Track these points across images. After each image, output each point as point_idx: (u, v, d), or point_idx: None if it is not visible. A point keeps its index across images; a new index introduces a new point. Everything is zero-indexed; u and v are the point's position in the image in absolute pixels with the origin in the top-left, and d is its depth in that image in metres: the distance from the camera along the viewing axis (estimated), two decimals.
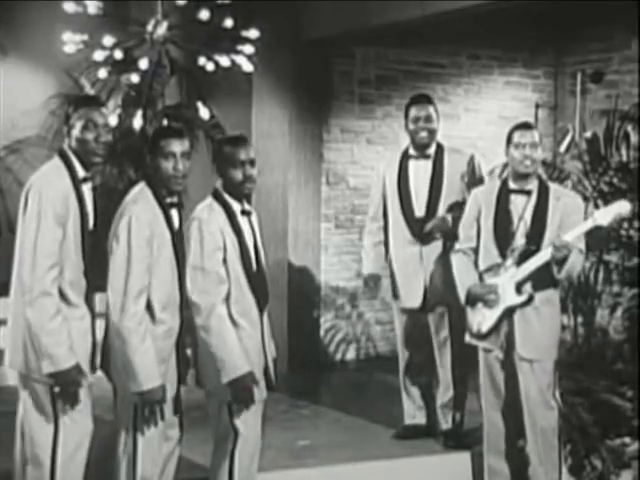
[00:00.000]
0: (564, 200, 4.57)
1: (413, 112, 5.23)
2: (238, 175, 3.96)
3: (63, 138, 3.91)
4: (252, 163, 4.00)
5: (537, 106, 8.26)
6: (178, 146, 3.87)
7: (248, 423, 3.94)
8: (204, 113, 7.26)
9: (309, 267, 7.47)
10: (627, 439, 5.11)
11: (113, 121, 6.75)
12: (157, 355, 3.78)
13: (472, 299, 4.60)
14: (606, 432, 5.08)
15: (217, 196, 4.00)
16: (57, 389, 3.75)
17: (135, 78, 7.10)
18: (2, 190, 7.51)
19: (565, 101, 8.31)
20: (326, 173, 7.59)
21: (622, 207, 4.45)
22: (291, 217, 7.35)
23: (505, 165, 6.44)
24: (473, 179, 5.23)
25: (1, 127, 7.47)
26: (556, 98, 8.46)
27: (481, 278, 4.61)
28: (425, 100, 5.31)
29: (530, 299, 4.48)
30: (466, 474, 5.12)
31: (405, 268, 5.30)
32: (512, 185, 4.60)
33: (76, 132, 3.84)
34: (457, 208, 5.11)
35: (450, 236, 5.05)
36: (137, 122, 7.11)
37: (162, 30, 7.08)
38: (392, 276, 5.39)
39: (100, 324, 3.95)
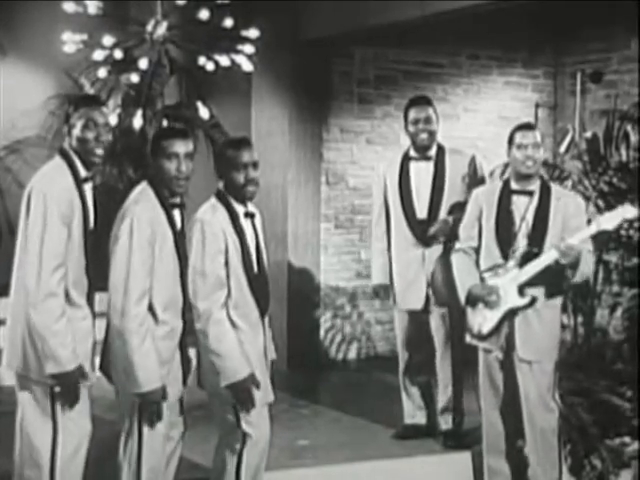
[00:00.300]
0: (565, 201, 4.56)
1: (412, 114, 5.23)
2: (240, 178, 3.93)
3: (63, 138, 3.91)
4: (255, 166, 3.96)
5: (537, 106, 8.26)
6: (181, 147, 3.85)
7: (256, 424, 3.92)
8: (204, 113, 7.25)
9: (309, 267, 7.47)
10: (627, 439, 5.10)
11: (113, 121, 6.74)
12: (159, 356, 3.77)
13: (473, 300, 4.59)
14: (606, 432, 5.08)
15: (220, 197, 3.98)
16: (58, 389, 3.75)
17: (135, 78, 7.09)
18: (2, 190, 7.51)
19: (565, 101, 8.31)
20: (326, 173, 7.60)
21: (627, 211, 4.43)
22: (291, 217, 7.35)
23: (506, 165, 6.45)
24: (474, 180, 5.23)
25: (1, 127, 7.46)
26: (556, 98, 8.46)
27: (482, 278, 4.60)
28: (424, 102, 5.31)
29: (533, 301, 4.46)
30: (466, 474, 5.12)
31: (407, 270, 5.29)
32: (514, 186, 4.60)
33: (77, 131, 3.83)
34: (458, 209, 5.11)
35: (453, 238, 5.05)
36: (137, 122, 7.11)
37: (162, 30, 7.08)
38: (391, 278, 5.39)
39: (99, 324, 3.95)
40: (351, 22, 6.86)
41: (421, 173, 5.26)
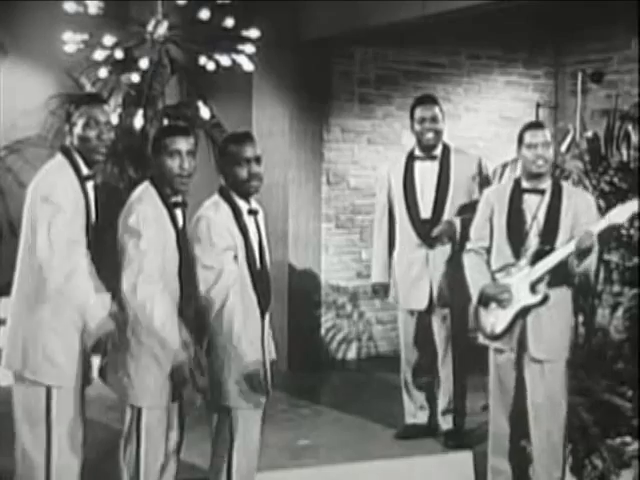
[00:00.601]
0: (576, 199, 4.56)
1: (418, 113, 5.22)
2: (243, 173, 3.91)
3: (65, 136, 3.91)
4: (258, 160, 3.94)
5: (538, 106, 8.25)
6: (184, 144, 3.85)
7: (245, 425, 3.90)
8: (205, 112, 7.25)
9: (309, 267, 7.47)
10: (627, 438, 5.10)
11: (114, 120, 6.75)
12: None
13: (485, 299, 4.57)
14: (606, 432, 5.08)
15: (223, 194, 3.96)
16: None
17: (135, 78, 7.09)
18: (3, 190, 7.51)
19: (565, 101, 8.31)
20: (326, 173, 7.60)
21: (637, 206, 4.43)
22: (291, 217, 7.35)
23: (504, 165, 6.46)
24: (483, 181, 5.23)
25: (1, 127, 7.46)
26: (556, 98, 8.46)
27: (493, 278, 4.58)
28: (430, 101, 5.30)
29: (545, 299, 4.46)
30: (467, 474, 5.12)
31: (410, 270, 5.29)
32: (525, 185, 4.59)
33: (78, 130, 3.84)
34: (466, 210, 5.10)
35: (457, 240, 5.05)
36: (138, 122, 7.11)
37: (162, 30, 7.08)
38: (394, 278, 5.38)
39: None
40: (352, 22, 6.86)
41: (426, 173, 5.25)
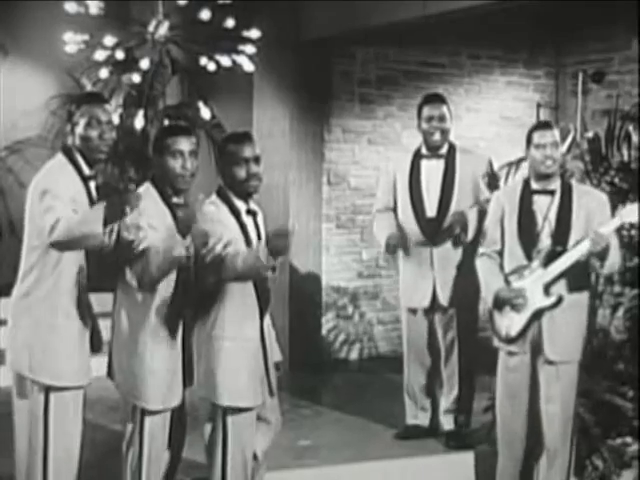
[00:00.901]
0: (587, 198, 4.54)
1: (426, 111, 5.21)
2: (242, 173, 3.89)
3: (66, 136, 3.90)
4: (257, 160, 3.92)
5: (538, 106, 8.25)
6: (186, 144, 3.84)
7: (240, 427, 3.89)
8: (205, 113, 7.26)
9: (310, 267, 7.46)
10: (628, 439, 5.10)
11: (115, 120, 6.76)
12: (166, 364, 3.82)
13: (500, 303, 4.54)
14: (607, 432, 5.08)
15: (221, 194, 3.95)
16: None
17: (136, 78, 7.11)
18: (3, 191, 7.51)
19: (566, 101, 8.31)
20: (327, 173, 7.60)
21: None
22: (292, 217, 7.34)
23: (510, 165, 6.45)
24: (491, 180, 5.23)
25: (2, 127, 7.47)
26: (557, 98, 8.46)
27: (507, 281, 4.55)
28: (439, 99, 5.30)
29: (559, 301, 4.44)
30: (468, 474, 5.11)
31: (414, 268, 5.29)
32: (534, 185, 4.56)
33: (80, 130, 3.83)
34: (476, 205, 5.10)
35: (466, 232, 5.03)
36: (138, 122, 7.13)
37: (163, 30, 7.09)
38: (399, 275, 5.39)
39: (104, 324, 3.96)
40: (352, 22, 6.86)
41: (432, 171, 5.24)
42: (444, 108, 5.22)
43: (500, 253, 4.63)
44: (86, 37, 6.89)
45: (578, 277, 4.47)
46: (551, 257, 4.44)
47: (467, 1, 5.97)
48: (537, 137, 4.51)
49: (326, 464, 5.05)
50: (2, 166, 7.56)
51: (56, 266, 3.75)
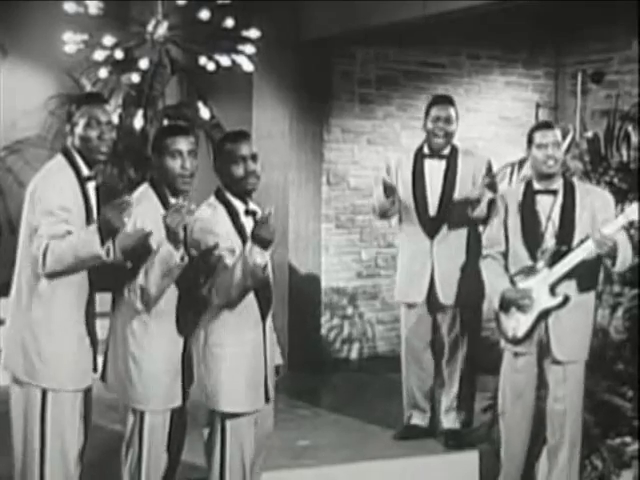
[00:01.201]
0: (591, 197, 4.53)
1: (434, 111, 5.22)
2: (239, 171, 3.86)
3: (66, 137, 3.89)
4: (254, 158, 3.89)
5: (538, 106, 8.26)
6: (185, 144, 3.83)
7: (238, 432, 3.86)
8: (205, 113, 7.26)
9: (310, 267, 7.46)
10: (627, 439, 5.10)
11: (114, 120, 6.76)
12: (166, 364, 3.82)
13: (506, 304, 4.53)
14: (607, 432, 5.08)
15: (219, 195, 3.92)
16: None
17: (136, 78, 7.10)
18: (3, 191, 7.51)
19: (566, 101, 8.31)
20: (327, 173, 7.60)
21: None
22: (291, 217, 7.35)
23: (512, 165, 6.45)
24: (491, 181, 5.23)
25: (1, 127, 7.47)
26: (556, 98, 8.46)
27: (512, 282, 4.54)
28: (447, 101, 5.31)
29: (566, 301, 4.43)
30: (467, 474, 5.12)
31: (412, 263, 5.30)
32: (537, 186, 4.55)
33: (79, 130, 3.82)
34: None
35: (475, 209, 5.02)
36: (138, 122, 7.12)
37: (163, 30, 7.09)
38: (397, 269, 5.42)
39: (102, 324, 3.96)
40: (352, 22, 6.86)
41: (433, 171, 5.26)
42: (452, 110, 5.24)
43: (504, 254, 4.62)
44: (85, 37, 6.88)
45: (584, 276, 4.47)
46: (556, 257, 4.43)
47: (467, 1, 5.97)
48: (539, 137, 4.50)
49: (325, 464, 5.05)
50: (1, 166, 7.56)
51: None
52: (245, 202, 3.94)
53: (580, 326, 4.52)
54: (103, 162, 3.97)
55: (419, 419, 5.43)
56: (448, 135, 5.23)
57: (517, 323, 4.53)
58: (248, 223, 3.89)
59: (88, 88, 7.29)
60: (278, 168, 7.34)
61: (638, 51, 7.33)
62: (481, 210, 4.98)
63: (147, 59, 7.04)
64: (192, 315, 3.88)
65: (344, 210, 7.69)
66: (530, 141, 4.54)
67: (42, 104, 7.45)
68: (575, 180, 4.76)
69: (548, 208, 4.51)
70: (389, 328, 7.71)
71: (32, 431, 3.78)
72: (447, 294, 5.23)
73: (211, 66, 7.06)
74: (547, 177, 4.52)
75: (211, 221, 3.82)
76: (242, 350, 3.85)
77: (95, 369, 3.93)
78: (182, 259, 3.64)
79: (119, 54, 6.97)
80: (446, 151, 5.27)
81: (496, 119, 8.21)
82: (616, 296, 5.85)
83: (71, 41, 6.87)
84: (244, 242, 3.81)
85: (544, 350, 4.50)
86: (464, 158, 5.28)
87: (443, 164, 5.25)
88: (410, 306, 5.36)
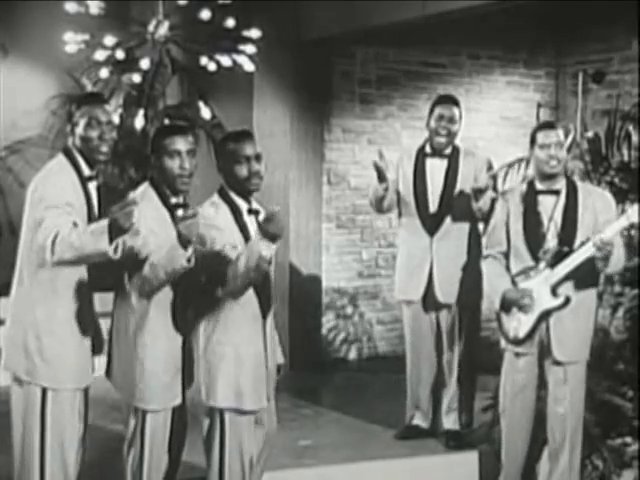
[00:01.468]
0: (593, 197, 4.52)
1: (438, 110, 5.23)
2: (243, 171, 3.86)
3: (66, 137, 3.90)
4: (258, 158, 3.89)
5: (539, 106, 8.25)
6: (183, 144, 3.83)
7: (238, 430, 3.86)
8: (205, 113, 7.26)
9: (310, 267, 7.46)
10: (628, 439, 5.10)
11: (115, 120, 6.76)
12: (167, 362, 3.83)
13: (507, 304, 4.52)
14: (607, 432, 5.08)
15: (222, 194, 3.92)
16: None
17: (136, 78, 7.11)
18: (3, 191, 7.51)
19: (566, 101, 8.31)
20: (327, 173, 7.60)
21: None
22: (292, 217, 7.35)
23: (509, 165, 6.45)
24: (491, 181, 5.23)
25: (2, 127, 7.47)
26: (557, 98, 8.46)
27: (514, 282, 4.53)
28: (451, 101, 5.31)
29: (567, 301, 4.42)
30: (468, 474, 5.12)
31: (411, 260, 5.30)
32: (539, 186, 4.54)
33: (80, 130, 3.82)
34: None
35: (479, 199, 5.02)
36: (138, 122, 7.12)
37: (163, 30, 7.09)
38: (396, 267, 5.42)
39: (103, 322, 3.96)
40: (353, 22, 6.86)
41: (434, 169, 5.27)
42: (455, 110, 5.24)
43: (506, 254, 4.61)
44: (86, 37, 6.88)
45: (586, 277, 4.46)
46: (558, 257, 4.42)
47: (467, 1, 5.97)
48: (541, 137, 4.49)
49: (326, 464, 5.05)
50: (2, 166, 7.56)
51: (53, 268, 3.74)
52: (248, 201, 3.95)
53: (581, 327, 4.51)
54: (104, 162, 3.97)
55: (421, 420, 5.42)
56: (451, 135, 5.23)
57: (518, 323, 4.52)
58: (251, 222, 3.90)
59: (89, 88, 7.29)
60: (279, 168, 7.35)
61: (638, 51, 7.34)
62: (484, 202, 4.98)
63: (148, 59, 7.04)
64: (192, 313, 3.88)
65: (345, 210, 7.69)
66: (533, 141, 4.53)
67: (43, 104, 7.45)
68: (577, 181, 4.76)
69: (550, 208, 4.50)
70: (389, 328, 7.71)
71: (32, 430, 3.78)
72: (445, 292, 5.23)
73: (212, 66, 7.06)
74: (550, 177, 4.51)
75: (215, 218, 3.82)
76: (243, 349, 3.85)
77: (93, 369, 3.94)
78: (189, 261, 3.63)
79: (120, 54, 6.97)
80: (448, 151, 5.28)
81: (497, 119, 8.21)
82: (617, 296, 5.85)
83: (72, 41, 6.87)
84: (247, 240, 3.82)
85: (545, 351, 4.49)
86: (465, 158, 5.29)
87: (445, 163, 5.26)
88: (409, 303, 5.36)
